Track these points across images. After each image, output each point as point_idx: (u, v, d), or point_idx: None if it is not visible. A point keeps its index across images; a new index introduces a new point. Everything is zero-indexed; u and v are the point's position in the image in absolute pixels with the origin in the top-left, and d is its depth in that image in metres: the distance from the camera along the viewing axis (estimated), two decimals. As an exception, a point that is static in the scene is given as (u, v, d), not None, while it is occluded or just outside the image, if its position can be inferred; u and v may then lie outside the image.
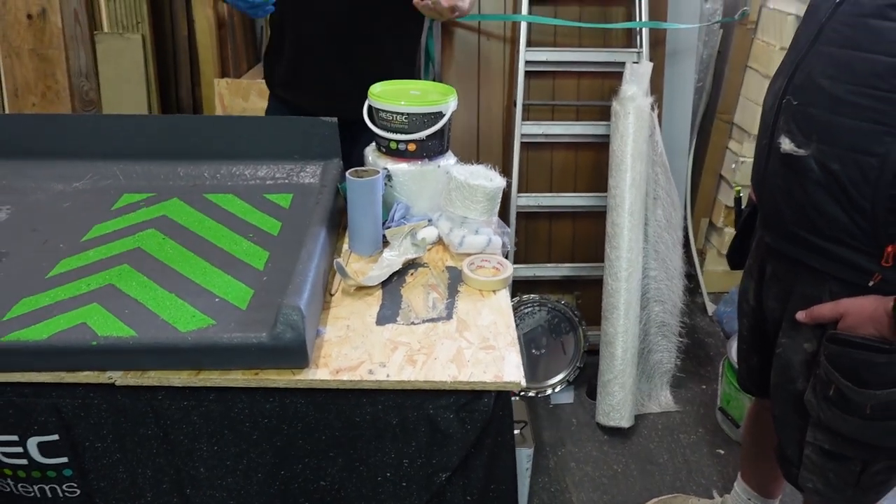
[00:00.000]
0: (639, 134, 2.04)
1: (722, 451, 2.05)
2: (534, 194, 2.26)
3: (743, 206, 1.41)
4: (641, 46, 2.19)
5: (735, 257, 1.40)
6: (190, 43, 2.67)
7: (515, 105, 2.18)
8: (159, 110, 2.62)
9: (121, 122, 1.44)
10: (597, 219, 2.23)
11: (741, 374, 1.45)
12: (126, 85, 2.46)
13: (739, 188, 1.46)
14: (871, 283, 1.01)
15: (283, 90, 1.83)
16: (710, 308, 2.75)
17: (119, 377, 0.93)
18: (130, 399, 0.96)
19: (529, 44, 2.19)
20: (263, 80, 1.90)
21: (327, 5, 1.66)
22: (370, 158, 1.43)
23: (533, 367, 2.25)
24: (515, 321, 2.19)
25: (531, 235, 2.32)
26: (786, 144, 1.03)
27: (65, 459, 0.99)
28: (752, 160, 1.26)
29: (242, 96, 2.47)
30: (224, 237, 1.22)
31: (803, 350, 1.13)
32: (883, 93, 0.93)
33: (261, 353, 0.93)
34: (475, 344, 1.03)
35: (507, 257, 1.31)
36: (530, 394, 2.21)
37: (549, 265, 2.31)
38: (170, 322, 0.96)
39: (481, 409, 0.97)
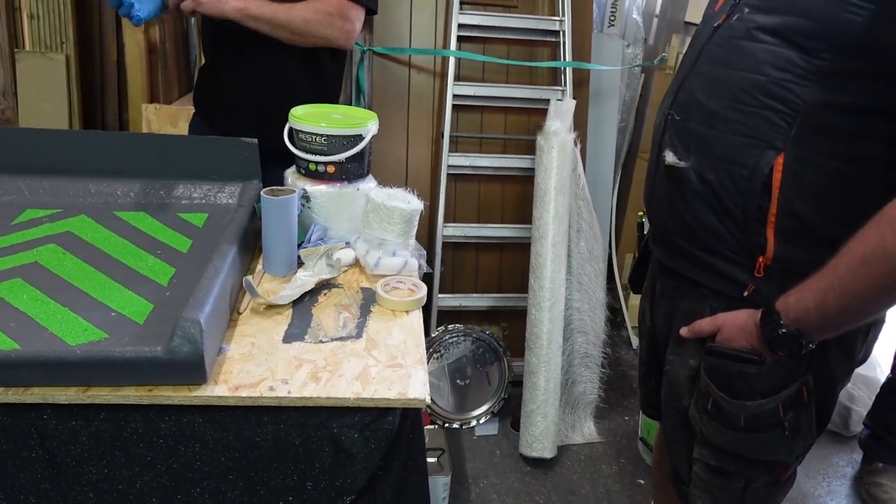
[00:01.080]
0: (562, 168, 2.09)
1: (642, 482, 2.08)
2: (461, 224, 2.28)
3: (644, 231, 1.45)
4: (565, 85, 2.27)
5: (636, 281, 1.43)
6: (119, 67, 2.62)
7: (443, 136, 2.21)
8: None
9: (27, 136, 1.39)
10: (523, 250, 2.27)
11: (642, 398, 1.46)
12: (46, 105, 2.39)
13: (642, 213, 1.50)
14: (745, 294, 1.03)
15: (204, 111, 1.81)
16: (635, 341, 2.81)
17: (-1, 393, 0.88)
18: (11, 418, 0.90)
19: (458, 78, 2.24)
20: (193, 107, 1.87)
21: (239, 35, 1.63)
22: (289, 180, 1.42)
23: (458, 398, 2.24)
24: (440, 351, 2.19)
25: (458, 265, 2.34)
26: (669, 157, 1.08)
27: (-64, 486, 0.92)
28: None
29: (171, 122, 2.43)
30: (129, 253, 1.18)
31: (688, 366, 1.14)
32: (750, 108, 0.98)
33: (155, 367, 0.89)
34: (382, 362, 1.02)
35: (423, 280, 1.31)
36: (455, 425, 2.20)
37: (474, 295, 2.32)
38: (58, 335, 0.92)
39: (385, 427, 0.96)
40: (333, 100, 1.81)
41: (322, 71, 1.74)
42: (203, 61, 1.89)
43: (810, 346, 0.94)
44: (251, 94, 1.70)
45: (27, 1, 2.35)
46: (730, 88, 1.00)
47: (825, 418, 1.09)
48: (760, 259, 1.00)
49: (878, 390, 2.19)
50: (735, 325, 1.02)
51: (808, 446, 1.06)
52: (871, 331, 1.06)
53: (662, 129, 1.14)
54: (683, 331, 1.11)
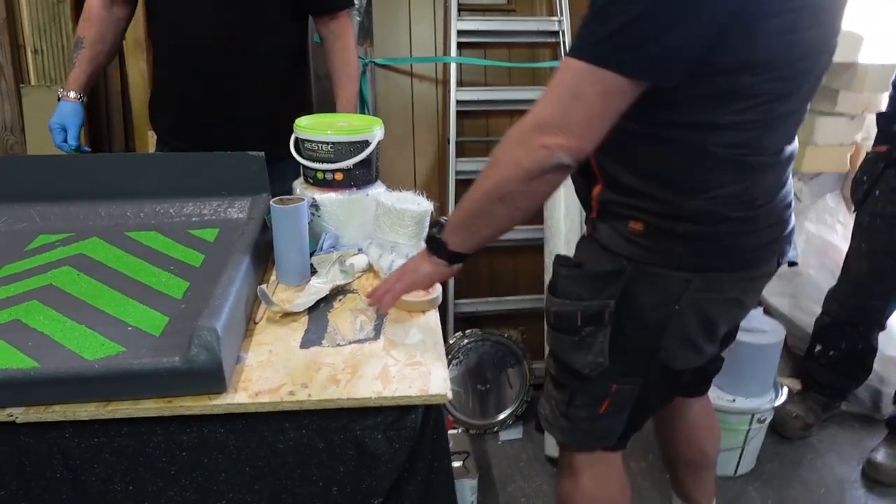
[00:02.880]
0: (570, 165, 2.08)
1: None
2: (472, 230, 2.27)
3: None
4: (568, 83, 2.26)
5: None
6: (123, 97, 2.64)
7: (449, 143, 2.21)
8: (90, 163, 2.56)
9: (36, 164, 1.40)
10: (536, 252, 2.25)
11: None
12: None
13: None
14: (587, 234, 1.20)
15: (169, 135, 1.77)
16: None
17: (20, 413, 0.87)
18: (34, 438, 0.90)
19: (461, 84, 2.24)
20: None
21: (203, 56, 1.63)
22: (298, 190, 1.42)
23: (480, 403, 2.21)
24: (459, 357, 2.18)
25: (472, 271, 2.33)
26: None
27: (-39, 511, 0.92)
28: None
29: (177, 147, 2.45)
30: (142, 271, 1.18)
31: None
32: None
33: (174, 378, 0.88)
34: (401, 361, 1.01)
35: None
36: (478, 431, 2.17)
37: (490, 299, 2.31)
38: (76, 351, 0.92)
39: (408, 426, 0.95)
40: (302, 106, 1.81)
41: (287, 77, 1.74)
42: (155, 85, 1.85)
43: (452, 251, 1.06)
44: (217, 111, 1.67)
45: (30, 37, 2.38)
46: None
47: (646, 345, 1.12)
48: (593, 202, 1.14)
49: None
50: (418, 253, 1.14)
51: (601, 366, 1.12)
52: (692, 284, 1.06)
53: None
54: None
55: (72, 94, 1.66)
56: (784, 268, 1.19)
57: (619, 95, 0.89)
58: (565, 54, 2.22)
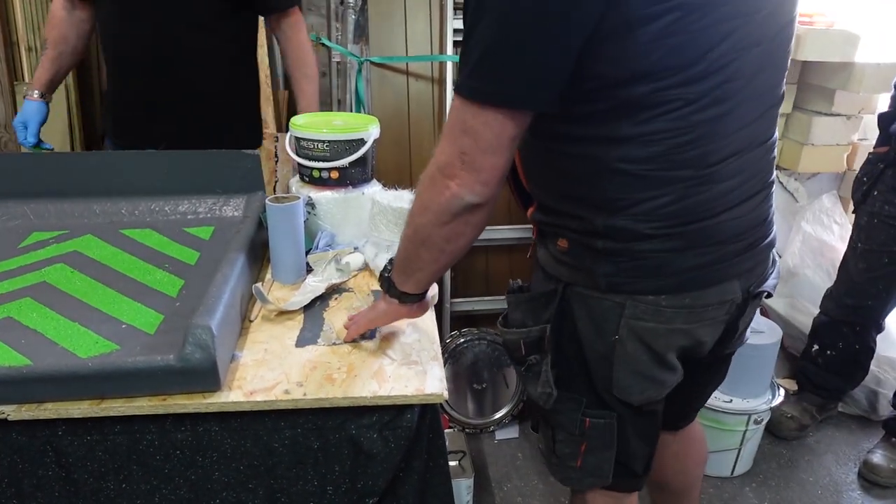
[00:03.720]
0: (567, 165, 2.08)
1: (669, 478, 2.04)
2: (469, 229, 2.26)
3: None
4: (565, 82, 2.26)
5: None
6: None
7: (446, 142, 2.20)
8: (85, 161, 2.55)
9: (30, 161, 1.40)
10: (532, 251, 2.25)
11: None
12: (49, 135, 2.39)
13: None
14: (529, 255, 1.17)
15: (117, 139, 1.76)
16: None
17: (12, 411, 0.86)
18: (27, 436, 0.89)
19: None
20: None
21: (137, 58, 1.63)
22: (293, 189, 1.41)
23: (476, 402, 2.21)
24: (455, 356, 2.17)
25: (468, 270, 2.32)
26: None
27: (-47, 509, 0.91)
28: None
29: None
30: (137, 268, 1.17)
31: None
32: None
33: (168, 376, 0.88)
34: (397, 360, 1.01)
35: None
36: (475, 430, 2.17)
37: (486, 298, 2.30)
38: (69, 349, 0.91)
39: (404, 425, 0.94)
40: (249, 108, 1.80)
41: (228, 78, 1.72)
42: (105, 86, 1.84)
43: (403, 293, 1.02)
44: (154, 112, 1.67)
45: (24, 34, 2.37)
46: None
47: (598, 381, 1.06)
48: (532, 223, 1.11)
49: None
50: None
51: (551, 397, 1.07)
52: (626, 310, 0.99)
53: None
54: None
55: (35, 94, 1.69)
56: (779, 265, 1.13)
57: (505, 124, 0.85)
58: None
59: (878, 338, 2.12)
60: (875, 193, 1.95)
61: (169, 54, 1.62)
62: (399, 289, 1.02)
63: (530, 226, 2.27)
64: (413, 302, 1.03)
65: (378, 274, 1.25)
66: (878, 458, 2.05)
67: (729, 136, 0.92)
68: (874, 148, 1.99)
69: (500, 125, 0.85)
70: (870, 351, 2.12)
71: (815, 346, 2.16)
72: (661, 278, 0.97)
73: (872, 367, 2.17)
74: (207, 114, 1.69)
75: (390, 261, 1.04)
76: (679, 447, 1.39)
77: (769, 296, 1.12)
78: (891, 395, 2.18)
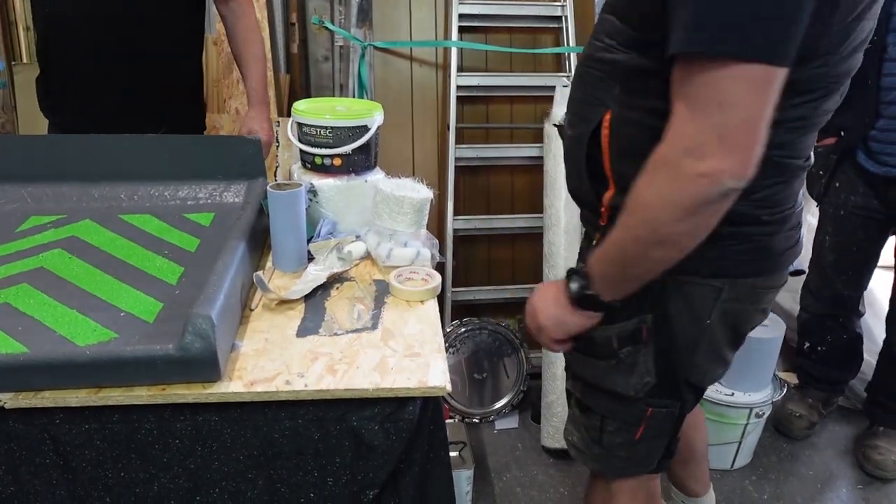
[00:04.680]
0: (571, 154, 2.06)
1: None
2: (470, 217, 2.25)
3: None
4: (570, 70, 2.24)
5: None
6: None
7: (449, 129, 2.18)
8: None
9: (28, 144, 1.38)
10: (535, 241, 2.23)
11: None
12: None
13: None
14: (594, 243, 1.03)
15: (55, 115, 1.69)
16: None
17: (9, 399, 0.85)
18: (24, 424, 0.88)
19: (461, 69, 2.21)
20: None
21: (94, 34, 1.56)
22: (295, 175, 1.40)
23: (476, 392, 2.20)
24: (456, 345, 2.16)
25: (470, 259, 2.31)
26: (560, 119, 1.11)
27: (-51, 497, 0.90)
28: None
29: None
30: (136, 255, 1.16)
31: None
32: (594, 71, 0.99)
33: (168, 365, 0.86)
34: (400, 352, 0.99)
35: (437, 269, 1.29)
36: (474, 420, 2.16)
37: (488, 288, 2.29)
38: (67, 337, 0.90)
39: (406, 418, 0.93)
40: (200, 76, 1.77)
41: (178, 51, 1.68)
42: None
43: (608, 301, 0.95)
44: (106, 86, 1.60)
45: (22, 14, 2.34)
46: (587, 55, 1.04)
47: (679, 368, 1.04)
48: (602, 209, 1.01)
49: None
50: (546, 298, 1.03)
51: (648, 385, 1.04)
52: (723, 293, 0.99)
53: None
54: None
55: None
56: None
57: (769, 86, 0.75)
58: (568, 41, 2.21)
59: (877, 330, 2.12)
60: (837, 185, 1.94)
61: (120, 23, 1.55)
62: (606, 301, 0.95)
63: (533, 215, 2.27)
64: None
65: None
66: (877, 451, 2.05)
67: (817, 131, 0.95)
68: (818, 142, 1.98)
69: (766, 87, 0.75)
70: (859, 338, 2.13)
71: (807, 344, 2.17)
72: (762, 261, 0.99)
73: (869, 357, 2.17)
74: (152, 87, 1.62)
75: (574, 273, 0.98)
76: (696, 418, 1.46)
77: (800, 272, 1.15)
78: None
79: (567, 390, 1.21)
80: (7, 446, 0.88)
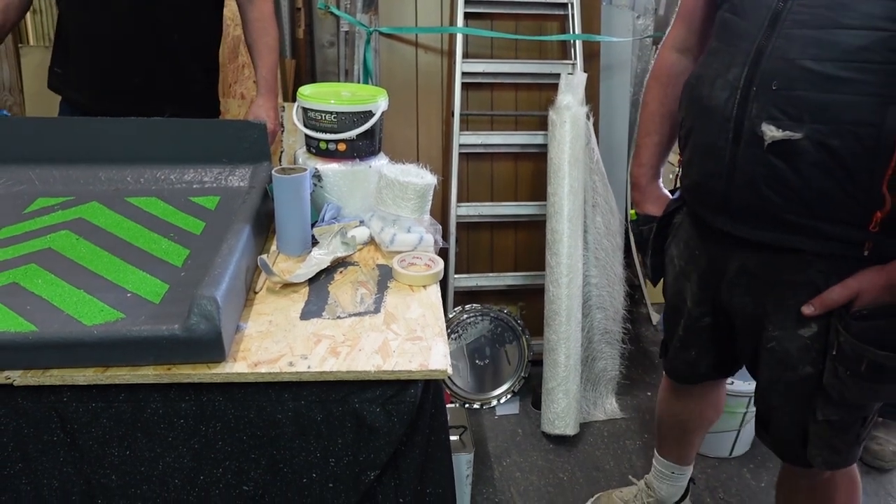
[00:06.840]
0: (575, 142, 2.06)
1: (667, 456, 2.05)
2: (474, 204, 2.26)
3: (643, 226, 1.47)
4: (575, 58, 2.23)
5: (657, 272, 1.45)
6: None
7: (453, 116, 2.18)
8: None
9: (35, 126, 1.39)
10: (538, 228, 2.24)
11: (678, 370, 1.48)
12: (54, 99, 2.38)
13: (634, 211, 1.51)
14: (865, 253, 1.04)
15: (75, 93, 1.70)
16: (655, 318, 2.78)
17: (18, 377, 0.87)
18: (32, 401, 0.89)
19: (467, 56, 2.21)
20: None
21: (115, 6, 1.58)
22: (300, 160, 1.40)
23: (478, 378, 2.22)
24: (458, 332, 2.18)
25: (473, 246, 2.32)
26: (773, 132, 1.04)
27: (-41, 472, 0.92)
28: None
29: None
30: (142, 237, 1.17)
31: (799, 337, 1.14)
32: (875, 65, 0.96)
33: (173, 346, 0.88)
34: (402, 335, 1.01)
35: (440, 255, 1.29)
36: (475, 405, 2.18)
37: (491, 275, 2.30)
38: (74, 316, 0.91)
39: (408, 401, 0.94)
40: (215, 73, 1.78)
41: (204, 39, 1.70)
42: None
43: None
44: (131, 64, 1.62)
45: (31, -4, 2.34)
46: (844, 48, 0.98)
47: None
48: (878, 214, 1.00)
49: None
50: (876, 285, 1.02)
51: None
52: None
53: (739, 103, 1.09)
54: (808, 309, 1.10)
55: None
56: None
57: None
58: (573, 28, 2.20)
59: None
60: None
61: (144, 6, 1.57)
62: None
63: (537, 203, 2.28)
64: None
65: (382, 247, 1.25)
66: (876, 441, 2.06)
67: None
68: None
69: None
70: None
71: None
72: None
73: None
74: (175, 68, 1.64)
75: None
76: (719, 392, 1.57)
77: None
78: None
79: (815, 420, 1.18)
80: (16, 423, 0.90)
